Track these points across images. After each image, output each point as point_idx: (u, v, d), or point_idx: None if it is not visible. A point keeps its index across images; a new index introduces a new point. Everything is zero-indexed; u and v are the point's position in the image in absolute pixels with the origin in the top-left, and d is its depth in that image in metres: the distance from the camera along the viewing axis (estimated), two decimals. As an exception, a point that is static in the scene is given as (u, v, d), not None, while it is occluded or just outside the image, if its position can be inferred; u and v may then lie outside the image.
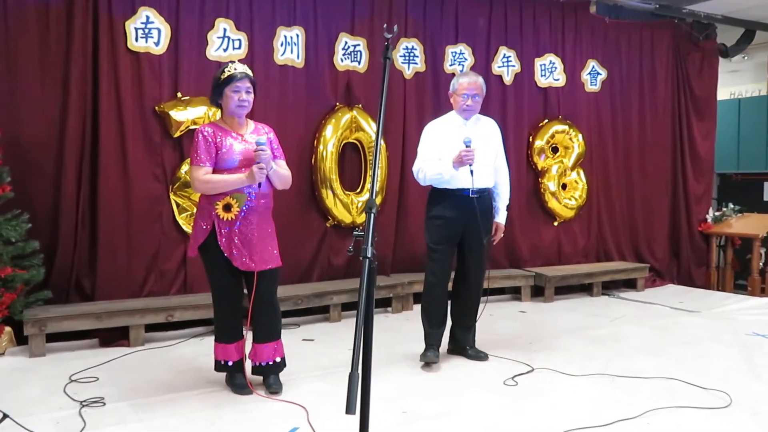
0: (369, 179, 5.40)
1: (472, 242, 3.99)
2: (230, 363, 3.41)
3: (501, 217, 4.13)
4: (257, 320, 3.36)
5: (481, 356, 4.06)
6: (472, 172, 3.73)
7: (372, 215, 1.82)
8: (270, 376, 3.43)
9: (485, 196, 4.02)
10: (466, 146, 3.73)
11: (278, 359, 3.44)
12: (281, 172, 3.36)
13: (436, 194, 3.99)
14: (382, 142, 4.78)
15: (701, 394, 3.41)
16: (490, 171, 4.03)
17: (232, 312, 3.40)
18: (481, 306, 4.13)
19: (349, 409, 1.47)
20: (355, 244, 1.80)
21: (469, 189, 3.88)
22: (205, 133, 3.25)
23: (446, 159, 3.82)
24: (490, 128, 4.15)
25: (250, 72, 3.33)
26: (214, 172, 3.24)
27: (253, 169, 3.15)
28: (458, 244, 4.03)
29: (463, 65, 5.84)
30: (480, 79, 4.03)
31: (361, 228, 1.84)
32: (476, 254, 4.02)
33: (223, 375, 3.54)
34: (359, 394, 1.57)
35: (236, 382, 3.42)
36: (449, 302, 4.11)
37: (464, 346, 4.11)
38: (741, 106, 8.26)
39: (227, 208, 3.22)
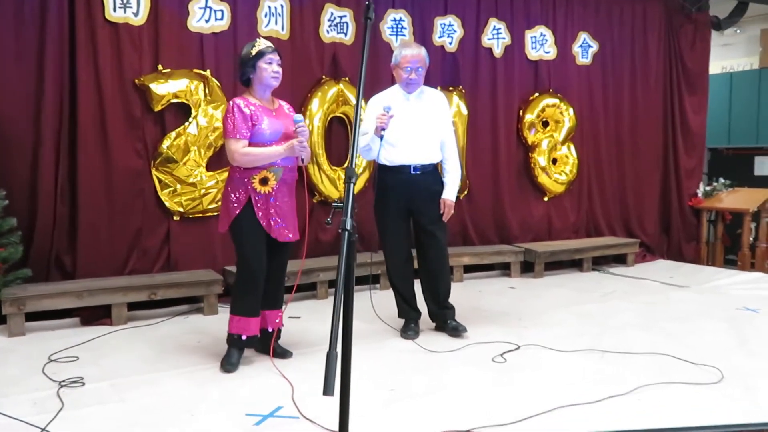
0: (357, 153, 5.29)
1: (421, 221, 3.95)
2: (245, 337, 3.38)
3: (448, 193, 3.93)
4: (273, 288, 3.50)
5: (459, 330, 3.97)
6: (382, 137, 3.67)
7: (351, 185, 1.71)
8: (277, 343, 3.57)
9: (430, 172, 3.93)
10: (384, 111, 3.66)
11: (282, 326, 3.61)
12: (307, 148, 3.42)
13: (379, 172, 3.90)
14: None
15: (692, 369, 3.37)
16: (433, 145, 3.93)
17: (260, 285, 3.40)
18: (470, 282, 4.07)
19: (327, 391, 1.38)
20: (334, 216, 1.71)
21: (410, 165, 3.84)
22: (242, 106, 3.29)
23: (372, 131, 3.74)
24: (435, 100, 4.03)
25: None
26: (249, 145, 3.28)
27: (294, 143, 3.25)
28: (411, 224, 3.98)
29: (452, 37, 5.72)
30: (423, 51, 3.93)
31: (340, 199, 1.74)
32: (427, 233, 3.95)
33: (209, 353, 3.50)
34: (338, 374, 1.49)
35: (229, 359, 3.36)
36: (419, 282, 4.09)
37: (442, 321, 4.06)
38: (733, 80, 8.19)
39: (264, 181, 3.30)
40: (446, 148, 3.99)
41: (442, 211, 3.93)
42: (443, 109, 4.06)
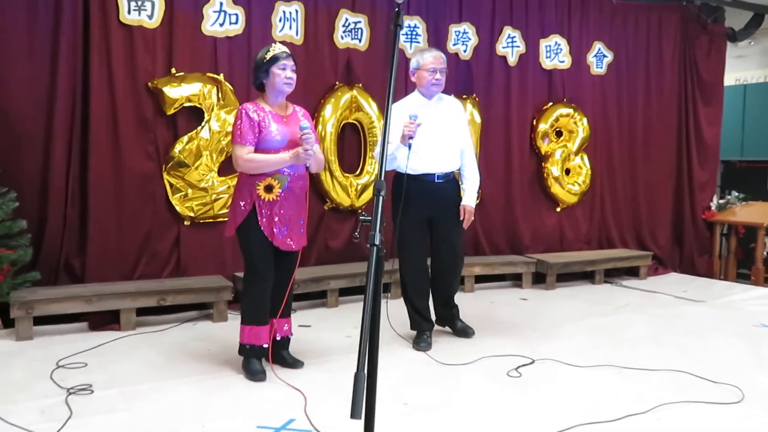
0: (370, 161, 5.24)
1: (441, 228, 3.92)
2: (257, 346, 3.34)
3: (468, 200, 3.93)
4: (280, 297, 3.42)
5: (468, 333, 4.08)
6: (410, 146, 3.58)
7: (381, 198, 1.65)
8: (288, 352, 3.52)
9: (452, 180, 3.92)
10: (411, 119, 3.59)
11: (291, 334, 3.56)
12: (318, 156, 3.37)
13: (400, 181, 3.78)
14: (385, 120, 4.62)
15: (711, 387, 3.29)
16: (454, 153, 3.92)
17: (268, 292, 3.36)
18: (481, 292, 4.05)
19: (355, 414, 1.32)
20: (362, 230, 1.65)
21: (435, 174, 3.81)
22: (250, 112, 3.24)
23: (396, 140, 3.67)
24: (453, 107, 4.02)
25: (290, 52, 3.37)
26: (256, 151, 3.24)
27: (299, 151, 3.19)
28: (429, 233, 3.95)
29: (466, 45, 5.67)
30: (443, 54, 3.94)
31: (360, 209, 1.67)
32: (447, 241, 3.93)
33: (219, 361, 3.45)
34: (365, 396, 1.43)
35: (252, 368, 3.32)
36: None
37: (451, 321, 4.15)
38: (746, 92, 8.12)
39: (269, 188, 3.26)
40: (465, 155, 3.98)
41: (462, 218, 3.91)
42: (462, 116, 4.06)
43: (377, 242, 1.55)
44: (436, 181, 3.84)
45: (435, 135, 3.81)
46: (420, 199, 3.79)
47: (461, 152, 3.96)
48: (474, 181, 3.99)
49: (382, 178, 1.68)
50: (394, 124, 3.69)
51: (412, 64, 3.94)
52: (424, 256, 4.00)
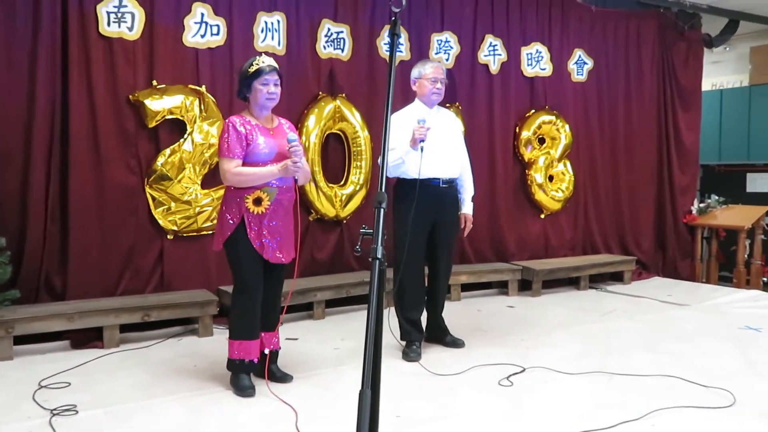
0: (354, 171, 5.22)
1: (442, 234, 3.96)
2: (247, 361, 3.28)
3: (468, 208, 4.10)
4: (268, 310, 3.39)
5: (458, 343, 4.09)
6: (422, 149, 3.63)
7: (381, 210, 1.62)
8: (276, 366, 3.46)
9: (454, 186, 4.01)
10: (420, 124, 3.66)
11: (279, 347, 3.52)
12: (305, 168, 3.38)
13: (403, 187, 3.83)
14: (382, 129, 4.66)
15: (703, 392, 3.30)
16: (456, 160, 4.00)
17: (258, 306, 3.31)
18: (468, 301, 4.10)
19: (361, 432, 1.29)
20: (363, 243, 1.61)
21: (440, 179, 3.86)
22: (237, 125, 3.21)
23: (405, 145, 3.73)
24: (449, 116, 4.15)
25: (276, 65, 3.30)
26: (243, 165, 3.21)
27: (288, 164, 3.17)
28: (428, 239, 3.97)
29: (448, 53, 5.68)
30: (442, 65, 4.05)
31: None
32: (444, 247, 3.99)
33: (206, 377, 3.39)
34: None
35: (240, 384, 3.26)
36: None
37: (440, 335, 4.13)
38: (723, 97, 8.23)
39: (257, 201, 3.22)
40: (463, 164, 4.07)
41: (462, 226, 4.02)
42: (458, 126, 4.20)
43: (379, 256, 1.53)
44: (441, 185, 3.89)
45: (439, 141, 3.86)
46: (425, 203, 3.78)
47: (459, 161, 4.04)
48: (471, 189, 4.12)
49: (383, 190, 1.65)
50: (400, 132, 3.75)
51: (413, 73, 4.00)
52: (423, 266, 4.02)
